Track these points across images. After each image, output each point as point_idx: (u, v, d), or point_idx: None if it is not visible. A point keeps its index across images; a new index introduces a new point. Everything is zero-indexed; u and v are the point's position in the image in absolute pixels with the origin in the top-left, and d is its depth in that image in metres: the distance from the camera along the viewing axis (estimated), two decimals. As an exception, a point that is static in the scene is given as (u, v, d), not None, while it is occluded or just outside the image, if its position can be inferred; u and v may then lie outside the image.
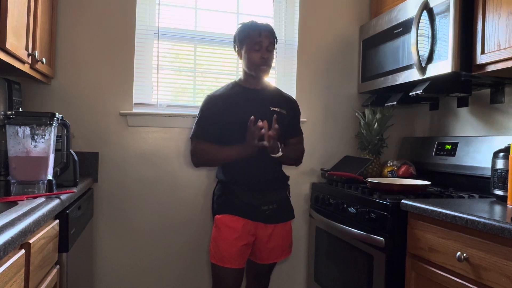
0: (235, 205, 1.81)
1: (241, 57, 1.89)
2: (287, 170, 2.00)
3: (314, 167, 2.42)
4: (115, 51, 2.19)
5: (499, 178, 1.58)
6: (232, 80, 1.99)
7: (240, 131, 1.83)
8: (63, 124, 1.56)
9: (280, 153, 1.81)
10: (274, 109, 1.89)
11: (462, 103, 2.17)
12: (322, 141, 2.49)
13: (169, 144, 2.27)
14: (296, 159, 2.01)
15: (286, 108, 1.94)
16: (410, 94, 1.99)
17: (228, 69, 2.44)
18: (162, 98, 2.31)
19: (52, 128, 1.44)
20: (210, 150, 1.83)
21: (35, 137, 1.39)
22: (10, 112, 1.38)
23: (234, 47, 1.92)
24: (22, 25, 1.54)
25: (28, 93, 2.06)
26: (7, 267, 0.85)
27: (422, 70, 1.87)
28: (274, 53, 1.89)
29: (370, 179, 1.89)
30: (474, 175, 1.92)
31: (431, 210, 1.42)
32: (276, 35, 1.89)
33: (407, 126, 2.59)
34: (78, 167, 1.71)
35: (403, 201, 1.59)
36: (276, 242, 1.87)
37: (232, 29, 2.37)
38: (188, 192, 2.29)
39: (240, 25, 1.89)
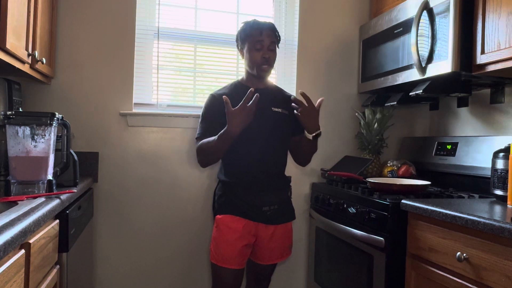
0: (236, 205, 1.80)
1: (243, 56, 1.88)
2: (288, 171, 1.99)
3: (314, 167, 2.42)
4: (115, 51, 2.19)
5: (499, 178, 1.58)
6: (234, 80, 1.99)
7: (242, 131, 1.82)
8: (63, 124, 1.56)
9: (319, 131, 1.82)
10: (276, 110, 1.89)
11: (462, 103, 2.17)
12: (322, 141, 2.46)
13: (169, 144, 2.27)
14: (312, 153, 1.99)
15: (288, 108, 1.93)
16: (410, 94, 1.99)
17: (228, 69, 2.44)
18: (162, 98, 2.31)
19: (52, 128, 1.44)
20: (204, 144, 1.80)
21: (35, 137, 1.39)
22: (10, 112, 1.38)
23: (237, 46, 1.92)
24: (22, 25, 1.54)
25: (28, 93, 2.06)
26: (7, 267, 0.85)
27: (422, 70, 1.87)
28: (277, 52, 1.88)
29: (370, 179, 1.89)
30: (474, 175, 1.92)
31: (431, 210, 1.42)
32: (278, 33, 1.88)
33: (407, 126, 2.59)
34: (78, 167, 1.71)
35: (403, 201, 1.59)
36: (277, 243, 1.87)
37: (232, 29, 2.38)
38: (188, 192, 2.29)
39: (242, 24, 1.88)
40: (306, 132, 1.85)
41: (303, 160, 2.02)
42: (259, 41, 1.80)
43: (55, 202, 1.28)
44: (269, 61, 1.83)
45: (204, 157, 1.83)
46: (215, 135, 1.80)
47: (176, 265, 2.28)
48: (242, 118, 1.66)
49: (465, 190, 1.91)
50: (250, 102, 1.66)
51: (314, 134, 1.84)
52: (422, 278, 1.50)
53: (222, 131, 1.70)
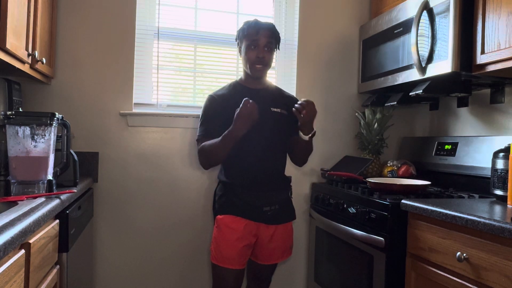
0: (236, 205, 1.80)
1: (241, 55, 1.89)
2: (288, 171, 1.99)
3: (314, 167, 2.42)
4: (115, 51, 2.19)
5: (499, 178, 1.58)
6: (233, 80, 1.99)
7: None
8: (63, 124, 1.56)
9: (314, 131, 1.79)
10: (275, 110, 1.89)
11: (462, 103, 2.17)
12: (322, 141, 2.48)
13: (169, 144, 2.27)
14: (309, 153, 1.97)
15: (287, 109, 1.93)
16: (410, 94, 1.99)
17: (228, 69, 2.44)
18: (162, 98, 2.31)
19: (52, 128, 1.44)
20: (206, 145, 1.79)
21: (35, 137, 1.39)
22: (10, 112, 1.38)
23: (237, 45, 1.92)
24: (22, 25, 1.54)
25: (28, 93, 2.06)
26: (7, 267, 0.85)
27: (422, 70, 1.87)
28: (275, 53, 1.88)
29: (370, 179, 1.89)
30: (474, 175, 1.92)
31: (431, 210, 1.42)
32: (278, 34, 1.87)
33: (407, 126, 2.59)
34: (78, 167, 1.71)
35: (403, 201, 1.59)
36: (278, 243, 1.87)
37: (232, 29, 2.38)
38: (188, 192, 2.29)
39: (243, 23, 1.88)
40: (301, 133, 1.81)
41: (300, 160, 2.02)
42: (254, 40, 1.80)
43: (55, 202, 1.28)
44: (263, 61, 1.82)
45: (206, 158, 1.83)
46: (215, 136, 1.80)
47: (176, 265, 2.28)
48: (245, 119, 1.65)
49: (465, 190, 1.91)
50: (250, 103, 1.64)
51: (310, 135, 1.82)
52: (422, 278, 1.50)
53: (226, 132, 1.70)
